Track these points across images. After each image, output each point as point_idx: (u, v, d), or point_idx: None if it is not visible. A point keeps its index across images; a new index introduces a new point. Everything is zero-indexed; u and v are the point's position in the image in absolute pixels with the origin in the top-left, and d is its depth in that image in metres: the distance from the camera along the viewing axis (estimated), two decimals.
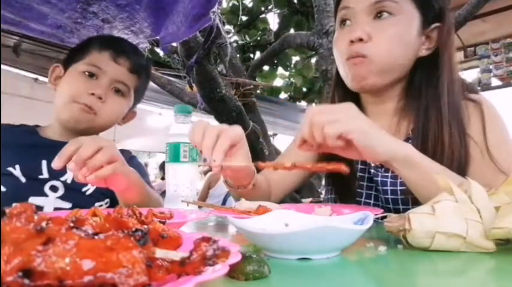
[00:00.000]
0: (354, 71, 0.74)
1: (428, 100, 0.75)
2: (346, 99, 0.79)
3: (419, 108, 0.76)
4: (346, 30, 0.77)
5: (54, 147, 0.94)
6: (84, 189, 0.94)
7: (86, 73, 0.95)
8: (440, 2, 0.76)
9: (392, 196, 0.78)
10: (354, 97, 0.84)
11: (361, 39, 0.72)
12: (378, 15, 0.73)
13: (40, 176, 0.90)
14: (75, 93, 0.92)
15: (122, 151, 1.04)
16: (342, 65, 0.78)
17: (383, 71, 0.74)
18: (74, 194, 0.92)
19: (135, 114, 1.11)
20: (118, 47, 0.99)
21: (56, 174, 0.91)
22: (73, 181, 0.88)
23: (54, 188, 0.91)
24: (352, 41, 0.73)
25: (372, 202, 0.84)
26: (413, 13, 0.74)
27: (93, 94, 0.92)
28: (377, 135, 0.59)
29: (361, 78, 0.74)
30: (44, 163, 0.92)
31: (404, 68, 0.77)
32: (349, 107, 0.61)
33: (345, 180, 0.81)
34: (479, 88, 4.14)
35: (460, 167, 0.71)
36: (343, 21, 0.79)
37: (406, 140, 0.78)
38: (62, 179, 0.92)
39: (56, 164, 0.68)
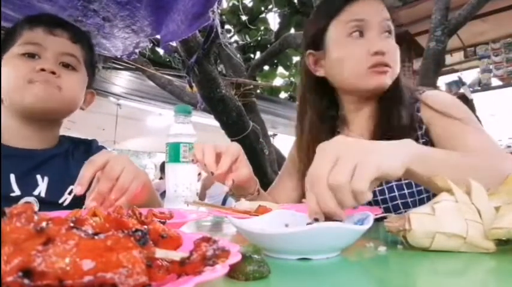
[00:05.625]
0: (379, 78, 0.80)
1: (392, 100, 0.82)
2: (321, 102, 0.91)
3: (387, 108, 0.82)
4: (363, 41, 0.81)
5: (20, 157, 0.85)
6: (61, 200, 0.86)
7: (26, 55, 0.83)
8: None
9: (381, 197, 0.82)
10: (328, 98, 0.92)
11: (383, 52, 0.79)
12: (386, 33, 0.81)
13: (12, 194, 0.80)
14: (23, 74, 0.81)
15: (91, 141, 1.01)
16: (361, 72, 0.80)
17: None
18: (51, 208, 0.78)
19: (94, 96, 1.00)
20: (49, 21, 0.88)
21: (27, 188, 0.82)
22: (46, 193, 0.84)
23: None
24: (376, 53, 0.78)
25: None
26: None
27: (43, 70, 0.81)
28: (391, 156, 0.50)
29: (385, 84, 0.80)
30: (13, 177, 0.81)
31: None
32: (343, 141, 0.52)
33: None
34: (479, 88, 4.15)
35: None
36: (355, 32, 0.82)
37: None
38: (35, 193, 0.83)
39: (78, 190, 0.64)
